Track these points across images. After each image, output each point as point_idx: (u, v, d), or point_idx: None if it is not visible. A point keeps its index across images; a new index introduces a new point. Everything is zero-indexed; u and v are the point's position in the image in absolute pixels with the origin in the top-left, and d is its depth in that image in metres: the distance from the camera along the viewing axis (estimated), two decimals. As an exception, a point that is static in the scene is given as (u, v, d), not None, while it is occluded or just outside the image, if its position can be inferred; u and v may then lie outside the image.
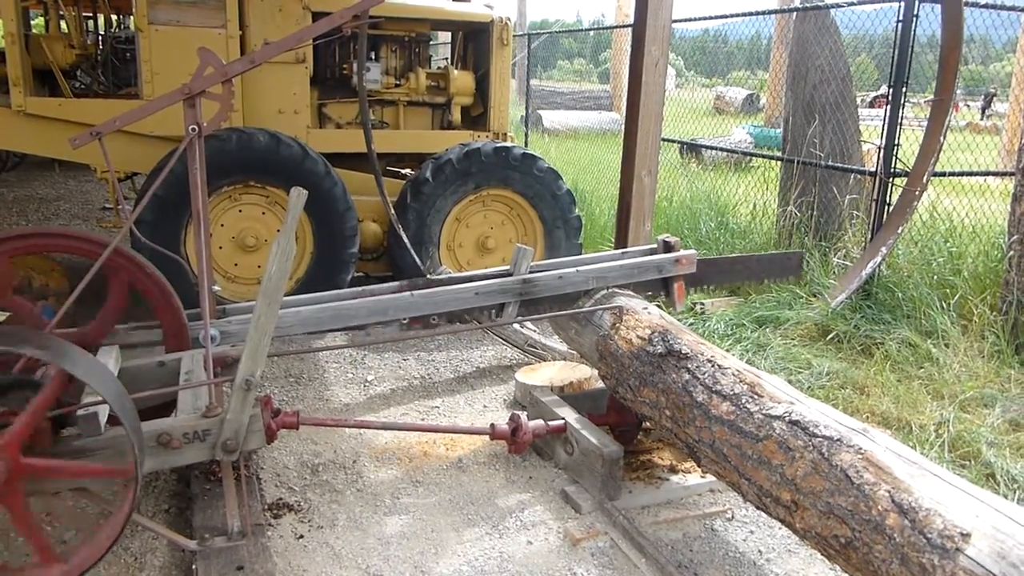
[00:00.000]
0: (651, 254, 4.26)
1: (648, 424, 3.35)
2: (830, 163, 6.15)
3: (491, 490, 3.28)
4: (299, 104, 5.42)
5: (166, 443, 2.39)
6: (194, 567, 2.51)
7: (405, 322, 3.62)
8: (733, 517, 3.13)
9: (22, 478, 2.14)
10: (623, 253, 4.26)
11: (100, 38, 8.83)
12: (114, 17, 9.35)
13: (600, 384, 3.79)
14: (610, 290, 3.81)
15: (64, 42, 5.45)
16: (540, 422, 3.27)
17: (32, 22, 8.99)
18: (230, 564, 2.48)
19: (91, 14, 8.62)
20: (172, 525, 2.91)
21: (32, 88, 5.02)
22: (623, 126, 5.48)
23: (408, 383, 4.38)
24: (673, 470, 3.39)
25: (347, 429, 3.69)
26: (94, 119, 4.86)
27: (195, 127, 2.85)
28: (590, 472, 3.15)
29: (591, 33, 27.07)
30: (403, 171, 6.13)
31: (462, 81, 6.02)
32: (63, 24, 6.72)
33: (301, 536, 2.94)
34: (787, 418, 2.44)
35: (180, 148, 2.83)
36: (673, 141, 9.66)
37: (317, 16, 5.33)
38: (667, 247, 4.25)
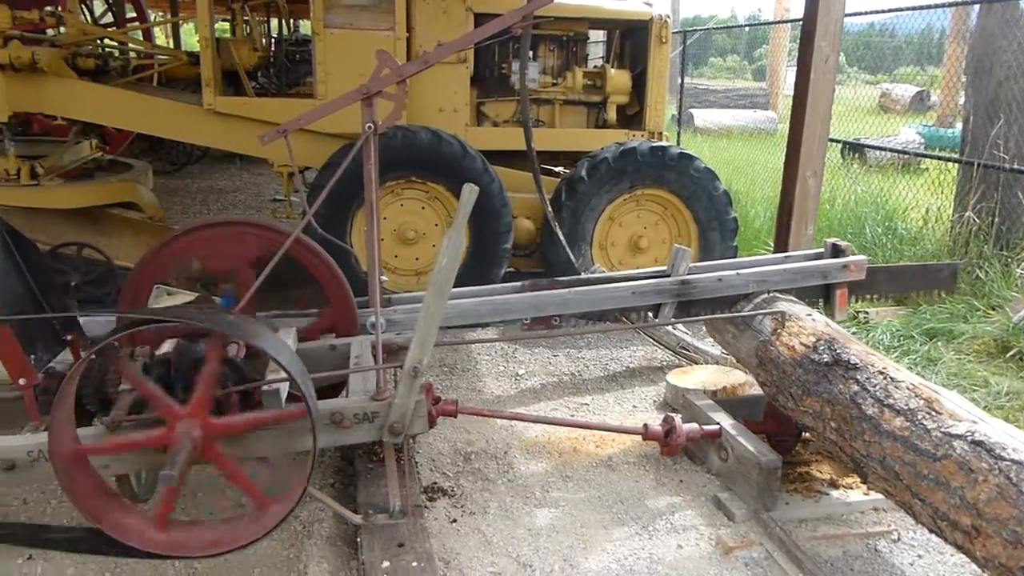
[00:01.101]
0: (816, 259, 4.09)
1: (808, 435, 3.22)
2: (1016, 166, 5.67)
3: (641, 490, 3.26)
4: (459, 103, 5.58)
5: (338, 422, 2.53)
6: (359, 540, 2.65)
7: (526, 322, 3.66)
8: (899, 539, 2.96)
9: (217, 437, 2.34)
10: (786, 257, 4.11)
11: (274, 42, 9.46)
12: (285, 22, 9.99)
13: (756, 390, 3.68)
14: (771, 294, 3.69)
15: (248, 46, 5.87)
16: (695, 425, 3.22)
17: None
18: (391, 541, 2.60)
19: (265, 19, 9.23)
20: (336, 499, 3.08)
21: (220, 88, 5.44)
22: (781, 125, 5.28)
23: (558, 379, 4.43)
24: (833, 484, 3.25)
25: (498, 420, 3.77)
26: (272, 117, 5.22)
27: (371, 125, 2.99)
28: (745, 480, 3.07)
29: (746, 29, 26.25)
30: (556, 169, 6.19)
31: (619, 80, 6.00)
32: (247, 29, 7.25)
33: (454, 520, 3.04)
34: (969, 438, 2.29)
35: (357, 145, 2.98)
36: (837, 141, 9.21)
37: (479, 17, 5.48)
38: (836, 251, 4.06)
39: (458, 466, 3.44)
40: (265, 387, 2.48)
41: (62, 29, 5.79)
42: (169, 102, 5.35)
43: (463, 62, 5.51)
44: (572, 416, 3.97)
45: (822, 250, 4.18)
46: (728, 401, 3.63)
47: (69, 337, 2.89)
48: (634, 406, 4.12)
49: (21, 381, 2.51)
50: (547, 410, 4.03)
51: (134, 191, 5.61)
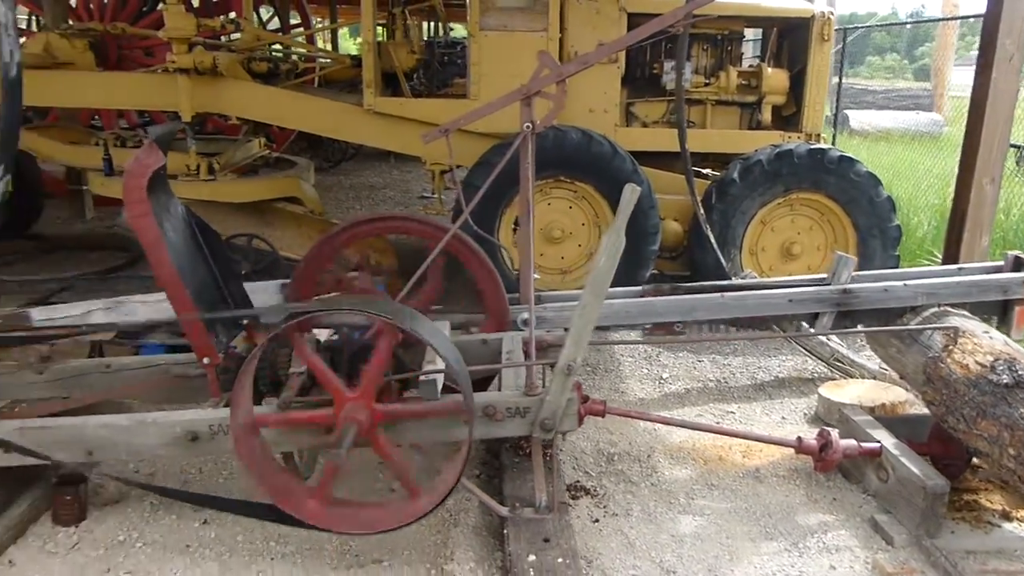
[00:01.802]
0: (994, 272, 3.80)
1: (980, 460, 3.01)
2: None
3: (790, 505, 3.15)
4: (609, 103, 5.57)
5: (491, 415, 2.59)
6: (505, 532, 2.70)
7: (648, 328, 3.59)
8: (1084, 580, 2.71)
9: (380, 423, 2.45)
10: (959, 269, 3.85)
11: (426, 44, 9.77)
12: (442, 24, 10.29)
13: (919, 409, 3.47)
14: (941, 308, 3.46)
15: (407, 48, 6.09)
16: (852, 442, 3.07)
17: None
18: (537, 535, 2.63)
19: (421, 23, 9.54)
20: (482, 491, 3.15)
21: (379, 89, 5.68)
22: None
23: (703, 384, 4.34)
24: (1006, 516, 3.01)
25: (642, 423, 3.74)
26: (427, 117, 5.40)
27: (530, 124, 3.04)
28: (907, 504, 2.90)
29: (907, 27, 24.71)
30: (704, 171, 6.06)
31: (775, 79, 5.80)
32: (406, 32, 7.53)
33: (596, 520, 3.04)
34: None
35: (515, 144, 3.04)
36: (1016, 146, 8.51)
37: (632, 17, 5.44)
38: (1019, 264, 3.76)
39: (600, 466, 3.44)
40: (423, 377, 2.57)
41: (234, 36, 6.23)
42: (333, 103, 5.64)
43: (614, 62, 5.49)
44: (718, 423, 3.88)
45: (1000, 263, 3.88)
46: (888, 419, 3.43)
47: (245, 322, 3.11)
48: (783, 417, 3.98)
49: (205, 360, 2.73)
50: (691, 416, 3.96)
51: (298, 187, 5.94)
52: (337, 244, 3.26)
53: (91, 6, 8.01)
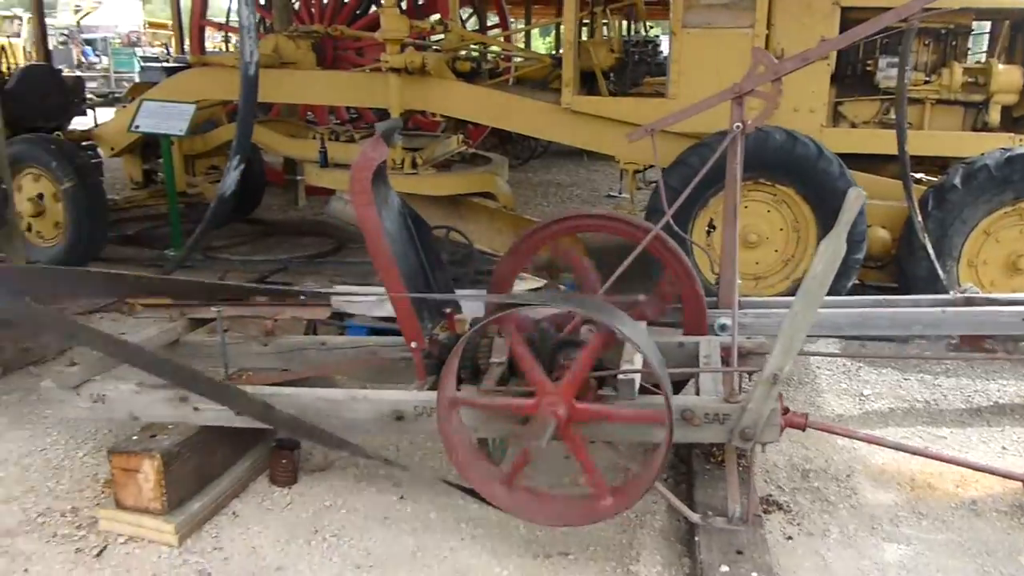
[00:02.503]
0: None
1: None
2: None
3: (1015, 545, 2.86)
4: (815, 102, 5.30)
5: (688, 419, 2.56)
6: (696, 539, 2.65)
7: (955, 340, 3.33)
8: None
9: (576, 421, 2.48)
10: None
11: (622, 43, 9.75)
12: (643, 23, 10.22)
13: None
14: None
15: (607, 47, 6.11)
16: (1095, 482, 2.75)
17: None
18: (730, 546, 2.57)
19: (620, 21, 9.51)
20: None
21: (577, 88, 5.73)
22: None
23: (909, 405, 4.04)
24: None
25: (839, 440, 3.55)
26: (624, 115, 5.39)
27: (739, 124, 2.96)
28: None
29: None
30: (917, 176, 5.62)
31: (1007, 77, 5.27)
32: (605, 32, 7.57)
33: (790, 537, 2.92)
34: None
35: (724, 144, 2.97)
36: None
37: (847, 11, 5.15)
38: None
39: (794, 482, 3.30)
40: (622, 376, 2.57)
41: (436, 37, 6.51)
42: (531, 101, 5.76)
43: (824, 58, 5.22)
44: (927, 448, 3.60)
45: None
46: None
47: (447, 310, 3.25)
48: (1004, 448, 3.62)
49: (413, 344, 2.88)
50: (896, 437, 3.68)
51: (493, 182, 6.13)
52: (539, 240, 3.33)
53: (312, 10, 8.66)
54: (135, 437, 2.98)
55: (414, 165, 5.85)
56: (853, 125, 5.52)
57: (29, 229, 6.20)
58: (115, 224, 7.08)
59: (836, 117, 5.56)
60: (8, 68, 9.77)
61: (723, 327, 3.22)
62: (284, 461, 3.24)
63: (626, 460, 3.15)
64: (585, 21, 7.53)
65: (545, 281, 4.64)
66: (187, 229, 6.46)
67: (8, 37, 21.12)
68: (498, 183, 6.22)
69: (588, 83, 6.39)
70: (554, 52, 12.35)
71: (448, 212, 6.07)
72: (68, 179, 6.04)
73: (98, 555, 2.82)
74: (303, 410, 2.92)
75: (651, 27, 10.60)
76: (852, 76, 5.58)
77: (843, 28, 5.04)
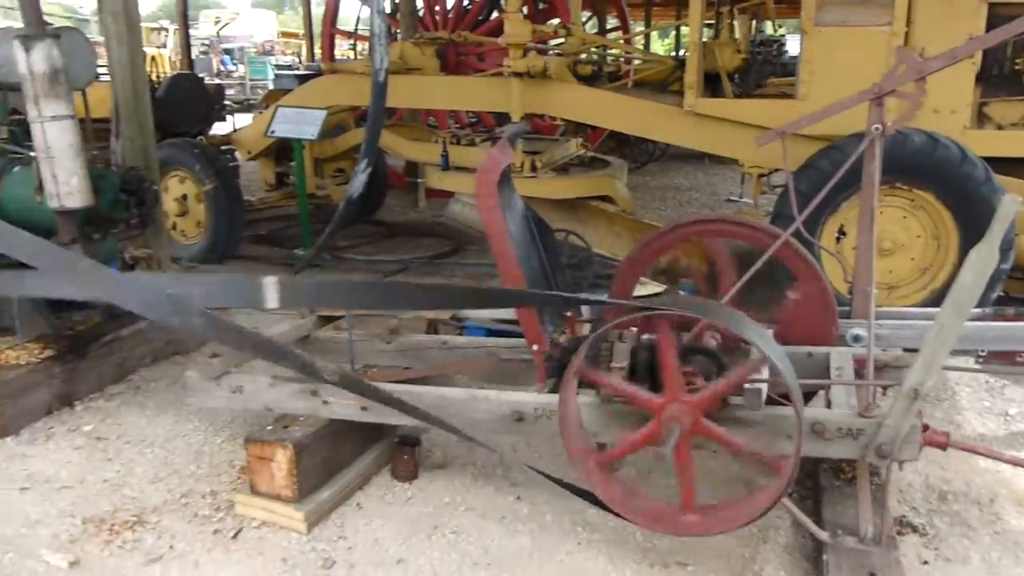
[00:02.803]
0: None
1: None
2: None
3: None
4: (958, 103, 4.99)
5: (819, 432, 2.46)
6: (824, 559, 2.55)
7: (983, 355, 3.08)
8: None
9: (695, 435, 2.44)
10: None
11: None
12: (772, 23, 9.94)
13: None
14: None
15: (732, 48, 5.98)
16: None
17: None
18: (861, 567, 2.46)
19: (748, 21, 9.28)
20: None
21: (700, 90, 5.63)
22: None
23: (1061, 428, 3.75)
24: None
25: (981, 461, 3.33)
26: (749, 118, 5.24)
27: (879, 127, 2.83)
28: None
29: None
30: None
31: None
32: (732, 32, 7.43)
33: (926, 562, 2.77)
34: None
35: (861, 147, 2.85)
36: None
37: (994, 7, 4.82)
38: None
39: (931, 504, 3.12)
40: (748, 386, 2.50)
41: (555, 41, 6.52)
42: (653, 104, 5.70)
43: (970, 57, 4.91)
44: (1082, 476, 3.33)
45: None
46: None
47: (568, 313, 3.25)
48: None
49: (534, 347, 2.90)
50: (1047, 462, 3.44)
51: (612, 186, 6.10)
52: (664, 244, 3.29)
53: (436, 17, 8.87)
54: (269, 427, 3.14)
55: (533, 168, 5.90)
56: (999, 127, 5.16)
57: (174, 227, 6.62)
58: (249, 224, 7.48)
59: (981, 118, 5.22)
60: (157, 77, 10.46)
61: (857, 338, 3.08)
62: (406, 457, 3.33)
63: (750, 471, 3.07)
64: (709, 21, 7.39)
65: (664, 286, 4.58)
66: (315, 229, 6.75)
67: (157, 48, 22.68)
68: (617, 187, 6.18)
69: (711, 85, 6.27)
70: (674, 54, 12.18)
71: (566, 215, 6.08)
72: (210, 181, 6.42)
73: (234, 537, 2.98)
74: (425, 408, 2.99)
75: (779, 26, 10.26)
76: (999, 75, 5.24)
77: (990, 25, 4.74)
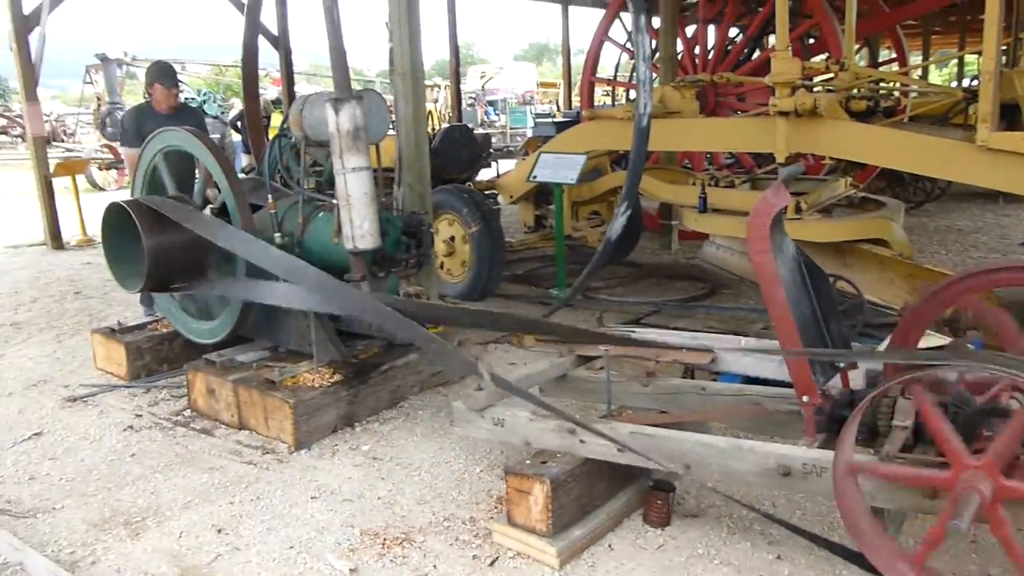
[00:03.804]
0: None
1: None
2: None
3: None
4: None
5: None
6: None
7: None
8: None
9: (1004, 500, 2.15)
10: None
11: None
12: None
13: None
14: None
15: (1035, 74, 5.32)
16: None
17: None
18: None
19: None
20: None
21: (995, 124, 5.04)
22: None
23: None
24: None
25: None
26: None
27: None
28: None
29: None
30: None
31: None
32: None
33: None
34: None
35: None
36: None
37: None
38: None
39: None
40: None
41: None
42: (937, 139, 5.20)
43: None
44: None
45: None
46: None
47: (841, 364, 3.03)
48: None
49: (804, 399, 2.73)
50: None
51: (888, 228, 5.64)
52: (952, 294, 2.97)
53: (696, 60, 8.84)
54: (527, 461, 3.23)
55: (798, 210, 5.62)
56: None
57: (441, 266, 7.12)
58: (508, 264, 7.85)
59: None
60: (432, 129, 11.43)
61: None
62: (659, 502, 3.27)
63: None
64: (1004, 45, 6.65)
65: (949, 339, 4.13)
66: (569, 270, 6.92)
67: (432, 102, 24.85)
68: (894, 229, 5.71)
69: (1006, 117, 5.61)
70: (955, 84, 11.08)
71: (831, 258, 5.71)
72: (476, 223, 6.84)
73: (491, 564, 3.09)
74: (683, 454, 2.92)
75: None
76: None
77: None
